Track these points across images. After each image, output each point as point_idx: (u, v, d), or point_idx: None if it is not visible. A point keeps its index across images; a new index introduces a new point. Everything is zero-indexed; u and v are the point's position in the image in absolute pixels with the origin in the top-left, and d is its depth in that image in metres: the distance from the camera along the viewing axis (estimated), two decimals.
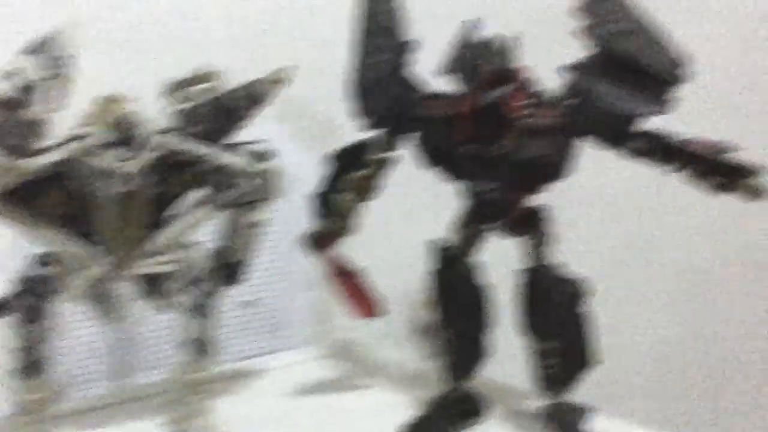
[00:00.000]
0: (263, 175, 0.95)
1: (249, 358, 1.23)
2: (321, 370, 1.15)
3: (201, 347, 0.94)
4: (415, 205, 1.22)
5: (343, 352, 1.21)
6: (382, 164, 0.97)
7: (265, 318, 1.32)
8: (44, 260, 0.91)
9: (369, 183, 0.97)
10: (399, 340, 1.41)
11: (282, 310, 1.33)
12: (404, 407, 1.01)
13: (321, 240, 0.99)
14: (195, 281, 0.94)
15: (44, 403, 0.91)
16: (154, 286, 0.94)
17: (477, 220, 0.93)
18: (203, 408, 0.96)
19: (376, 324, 1.31)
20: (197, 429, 0.94)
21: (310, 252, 1.01)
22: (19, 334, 0.90)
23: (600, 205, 1.44)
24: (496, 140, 0.88)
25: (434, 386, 1.01)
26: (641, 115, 0.87)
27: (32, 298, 0.90)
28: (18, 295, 0.90)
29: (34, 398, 0.91)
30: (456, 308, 0.95)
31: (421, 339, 1.05)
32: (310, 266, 1.22)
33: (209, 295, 0.94)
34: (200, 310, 0.94)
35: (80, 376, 1.16)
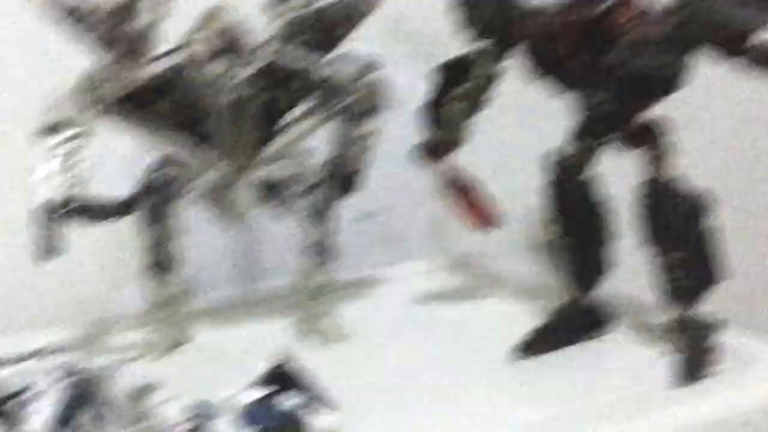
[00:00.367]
0: (369, 86, 0.94)
1: (366, 268, 1.24)
2: (440, 280, 1.15)
3: (321, 253, 0.95)
4: (533, 116, 1.20)
5: (461, 263, 1.21)
6: (489, 77, 0.95)
7: (382, 229, 1.32)
8: (165, 163, 0.93)
9: (477, 95, 0.96)
10: (518, 253, 1.40)
11: (400, 221, 1.34)
12: (525, 317, 1.00)
13: (433, 151, 0.99)
14: (312, 188, 0.94)
15: (174, 301, 0.94)
16: (271, 192, 0.95)
17: (592, 133, 0.91)
18: (325, 311, 0.97)
19: (495, 236, 1.29)
20: (320, 331, 0.96)
21: (423, 163, 1.00)
22: (145, 233, 0.92)
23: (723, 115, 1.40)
24: (605, 53, 0.86)
25: (555, 298, 1.01)
26: (758, 24, 0.82)
27: (155, 199, 0.92)
28: (141, 196, 0.91)
29: (164, 295, 0.94)
30: (574, 221, 0.93)
31: (541, 252, 1.04)
32: (428, 178, 1.22)
33: (327, 201, 0.95)
34: (318, 216, 0.95)
35: (206, 280, 1.19)
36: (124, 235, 1.14)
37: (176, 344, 0.95)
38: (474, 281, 1.14)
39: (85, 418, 0.65)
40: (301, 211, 0.94)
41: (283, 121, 0.94)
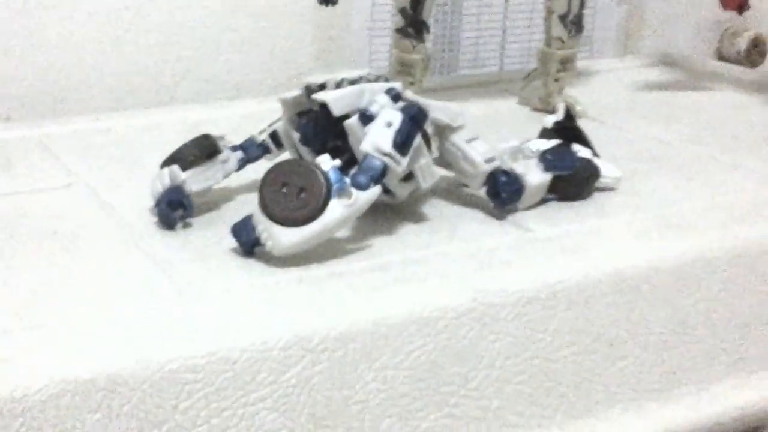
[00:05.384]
0: None
1: None
2: (649, 74, 1.13)
3: (574, 23, 0.93)
4: None
5: (667, 61, 1.19)
6: None
7: None
8: None
9: None
10: (717, 55, 1.36)
11: (593, 21, 1.32)
12: (756, 107, 1.00)
13: None
14: None
15: (418, 66, 0.93)
16: None
17: None
18: (564, 87, 0.96)
19: (694, 36, 1.27)
20: (557, 103, 0.94)
21: None
22: None
23: None
24: None
25: None
26: None
27: None
28: None
29: (409, 58, 0.93)
30: None
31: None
32: None
33: None
34: None
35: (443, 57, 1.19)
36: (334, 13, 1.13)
37: None
38: (688, 76, 1.13)
39: (417, 141, 0.65)
40: None
41: None
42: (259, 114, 0.76)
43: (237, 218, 0.64)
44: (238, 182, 0.73)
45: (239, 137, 0.73)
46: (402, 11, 0.91)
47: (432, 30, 1.08)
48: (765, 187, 0.77)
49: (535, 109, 0.97)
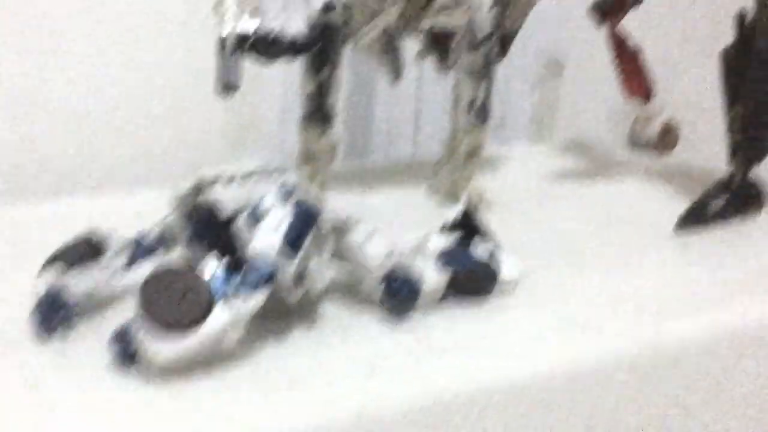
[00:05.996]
0: None
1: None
2: (560, 161, 1.13)
3: (479, 112, 0.93)
4: None
5: (578, 148, 1.19)
6: None
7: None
8: (331, 6, 0.88)
9: None
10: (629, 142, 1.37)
11: (505, 106, 1.32)
12: (664, 197, 1.00)
13: (606, 11, 0.96)
14: (479, 43, 0.91)
15: (325, 154, 0.92)
16: (439, 43, 0.91)
17: None
18: (472, 176, 0.95)
19: (603, 123, 1.27)
20: (464, 196, 0.94)
21: (595, 23, 0.97)
22: (307, 80, 0.89)
23: None
24: None
25: (692, 181, 1.00)
26: None
27: (319, 43, 0.87)
28: (314, 36, 0.85)
29: (315, 147, 0.91)
30: (747, 86, 0.90)
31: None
32: (533, 65, 1.21)
33: (491, 58, 0.91)
34: (482, 72, 0.91)
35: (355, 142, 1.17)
36: (245, 98, 1.11)
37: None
38: (595, 164, 1.13)
39: (308, 241, 0.63)
40: (464, 67, 0.91)
41: None
42: (159, 205, 0.74)
43: (120, 323, 0.61)
44: (126, 282, 0.70)
45: (134, 230, 0.70)
46: (308, 97, 0.90)
47: (343, 113, 1.07)
48: (673, 281, 0.76)
49: (445, 198, 0.96)
